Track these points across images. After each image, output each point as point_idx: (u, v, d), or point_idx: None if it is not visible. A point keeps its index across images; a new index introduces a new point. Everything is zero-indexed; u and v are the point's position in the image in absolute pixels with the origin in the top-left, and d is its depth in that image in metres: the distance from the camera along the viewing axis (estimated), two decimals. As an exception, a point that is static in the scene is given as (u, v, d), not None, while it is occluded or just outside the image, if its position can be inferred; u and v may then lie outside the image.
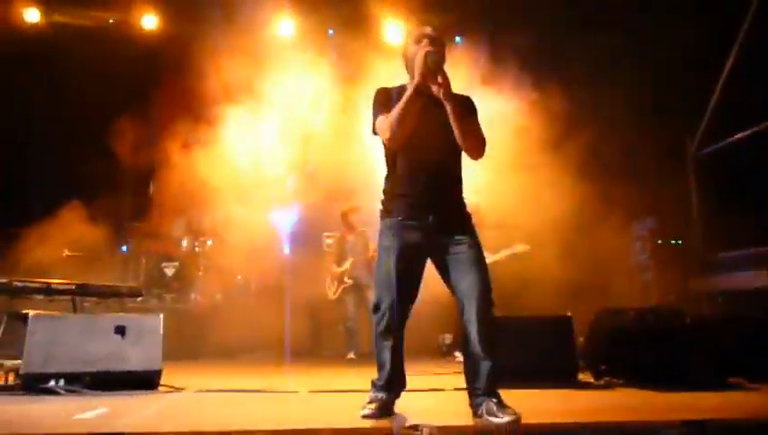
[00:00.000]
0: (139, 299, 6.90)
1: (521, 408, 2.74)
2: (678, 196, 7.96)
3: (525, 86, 7.80)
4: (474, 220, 3.12)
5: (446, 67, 2.92)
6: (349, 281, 6.75)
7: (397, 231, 2.98)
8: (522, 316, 5.48)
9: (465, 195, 3.15)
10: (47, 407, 3.31)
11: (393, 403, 3.03)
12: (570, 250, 5.98)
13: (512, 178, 6.71)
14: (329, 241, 7.23)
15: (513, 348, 4.37)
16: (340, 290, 6.78)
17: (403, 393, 3.12)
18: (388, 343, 2.97)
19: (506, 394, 2.86)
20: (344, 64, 7.32)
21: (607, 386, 4.33)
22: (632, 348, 4.48)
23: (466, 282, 2.88)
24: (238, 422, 2.91)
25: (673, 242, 7.69)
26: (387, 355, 2.98)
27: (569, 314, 4.79)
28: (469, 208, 3.14)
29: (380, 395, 2.98)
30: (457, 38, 8.58)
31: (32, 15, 7.90)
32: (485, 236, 5.69)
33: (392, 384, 3.01)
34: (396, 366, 3.00)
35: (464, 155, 3.05)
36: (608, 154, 7.79)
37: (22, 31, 7.83)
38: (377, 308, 3.00)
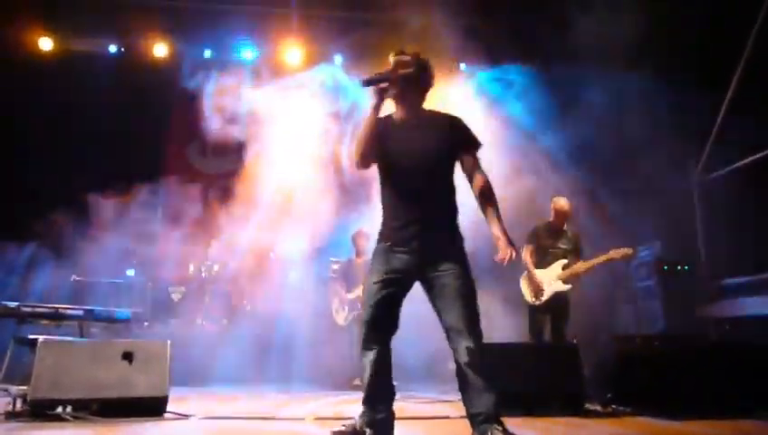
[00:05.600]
0: (146, 324, 6.95)
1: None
2: (684, 221, 7.97)
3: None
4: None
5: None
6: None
7: (385, 256, 3.00)
8: (528, 343, 5.48)
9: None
10: (54, 434, 3.32)
11: (385, 422, 2.96)
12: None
13: (510, 197, 6.78)
14: (335, 267, 7.21)
15: (518, 375, 4.38)
16: (351, 316, 6.68)
17: (409, 421, 3.11)
18: (368, 358, 2.93)
19: (511, 422, 2.86)
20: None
21: (613, 414, 4.30)
22: (639, 375, 4.47)
23: (452, 315, 2.89)
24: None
25: (679, 268, 7.67)
26: (368, 369, 2.94)
27: (575, 341, 4.77)
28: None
29: (364, 411, 2.95)
30: (462, 65, 8.71)
31: (45, 44, 8.05)
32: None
33: (374, 400, 2.95)
34: (377, 381, 2.94)
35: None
36: (612, 178, 7.85)
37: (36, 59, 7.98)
38: (362, 324, 3.02)
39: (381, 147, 3.01)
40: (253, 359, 6.86)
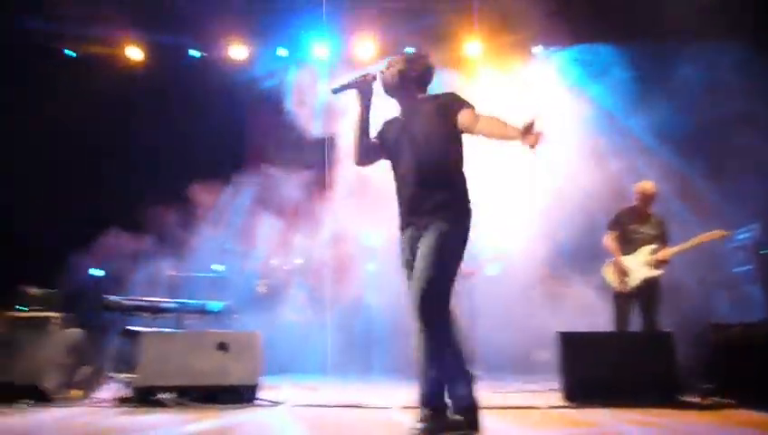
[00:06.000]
0: (235, 316, 7.26)
1: (621, 428, 2.64)
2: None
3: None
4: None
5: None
6: None
7: (399, 243, 3.12)
8: (620, 332, 5.30)
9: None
10: (157, 419, 3.53)
11: (470, 409, 2.93)
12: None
13: (595, 182, 6.60)
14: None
15: (609, 365, 4.26)
16: None
17: (497, 411, 3.08)
18: (415, 349, 2.94)
19: (602, 413, 2.78)
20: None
21: (713, 407, 4.09)
22: (740, 366, 4.22)
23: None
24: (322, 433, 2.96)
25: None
26: (417, 361, 2.94)
27: (669, 330, 4.57)
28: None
29: (425, 411, 2.92)
30: (540, 47, 8.43)
31: (135, 53, 8.53)
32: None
33: (423, 395, 2.93)
34: (424, 374, 2.92)
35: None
36: (706, 158, 7.41)
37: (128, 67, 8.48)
38: None
39: (384, 144, 3.19)
40: (338, 349, 7.02)
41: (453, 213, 2.97)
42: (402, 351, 7.07)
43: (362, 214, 7.07)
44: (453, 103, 3.06)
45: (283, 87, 7.97)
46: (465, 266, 6.65)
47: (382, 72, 3.13)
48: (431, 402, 2.92)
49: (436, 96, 3.16)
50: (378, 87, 3.16)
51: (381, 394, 4.92)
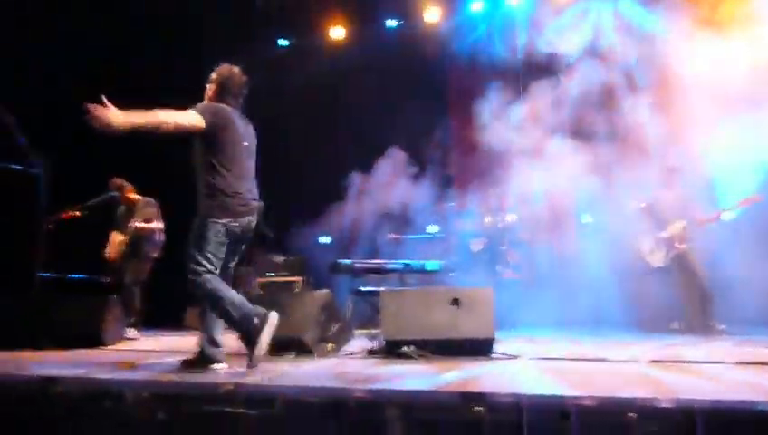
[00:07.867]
0: (452, 274, 7.51)
1: None
2: None
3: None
4: None
5: None
6: (681, 245, 6.21)
7: None
8: None
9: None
10: (408, 368, 3.77)
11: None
12: None
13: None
14: (641, 205, 6.75)
15: None
16: (669, 256, 6.30)
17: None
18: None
19: None
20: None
21: None
22: None
23: None
24: (573, 387, 2.92)
25: None
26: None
27: None
28: None
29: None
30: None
31: (337, 33, 9.06)
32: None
33: None
34: None
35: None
36: None
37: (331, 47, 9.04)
38: None
39: None
40: (557, 303, 6.90)
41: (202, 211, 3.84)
42: (629, 303, 6.75)
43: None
44: None
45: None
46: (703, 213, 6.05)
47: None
48: None
49: None
50: None
51: (621, 348, 4.73)
